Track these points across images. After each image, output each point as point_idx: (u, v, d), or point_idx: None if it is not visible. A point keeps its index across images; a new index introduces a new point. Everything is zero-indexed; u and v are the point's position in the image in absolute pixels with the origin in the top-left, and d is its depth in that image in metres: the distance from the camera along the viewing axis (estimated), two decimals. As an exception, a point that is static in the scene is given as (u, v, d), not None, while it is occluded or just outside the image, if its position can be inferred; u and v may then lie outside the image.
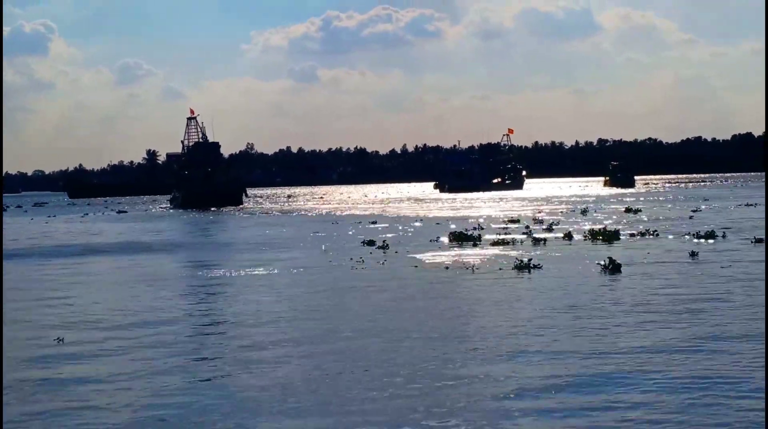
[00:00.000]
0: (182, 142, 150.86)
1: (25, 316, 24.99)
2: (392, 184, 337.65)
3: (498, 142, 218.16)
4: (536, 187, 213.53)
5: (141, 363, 17.96)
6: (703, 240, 44.30)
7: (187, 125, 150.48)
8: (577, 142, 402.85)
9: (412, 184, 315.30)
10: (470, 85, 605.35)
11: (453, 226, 60.95)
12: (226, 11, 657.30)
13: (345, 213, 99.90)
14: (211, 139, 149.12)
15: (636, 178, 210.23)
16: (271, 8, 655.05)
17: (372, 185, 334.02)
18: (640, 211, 78.31)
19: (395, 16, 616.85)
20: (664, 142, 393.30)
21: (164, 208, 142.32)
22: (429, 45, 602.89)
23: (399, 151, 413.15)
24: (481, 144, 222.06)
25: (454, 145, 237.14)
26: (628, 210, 79.85)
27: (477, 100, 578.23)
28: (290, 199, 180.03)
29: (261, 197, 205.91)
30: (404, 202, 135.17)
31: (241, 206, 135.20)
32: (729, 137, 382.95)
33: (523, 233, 52.29)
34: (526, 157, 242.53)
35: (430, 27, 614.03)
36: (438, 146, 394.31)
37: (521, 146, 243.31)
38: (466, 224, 64.10)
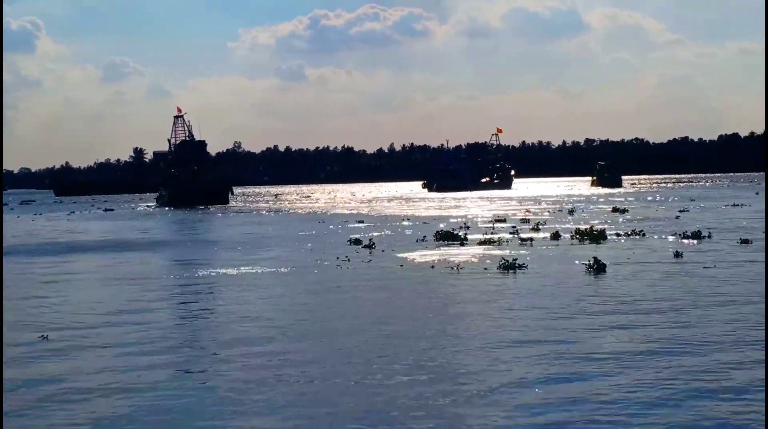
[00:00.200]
0: (169, 140, 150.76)
1: (9, 314, 24.82)
2: (380, 184, 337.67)
3: (485, 142, 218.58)
4: (524, 186, 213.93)
5: (124, 359, 17.93)
6: (688, 240, 44.39)
7: (174, 123, 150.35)
8: (564, 142, 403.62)
9: (400, 184, 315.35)
10: (458, 85, 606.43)
11: (440, 226, 60.95)
12: (213, 9, 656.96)
13: (332, 212, 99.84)
14: (197, 138, 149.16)
15: (623, 178, 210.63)
16: (258, 6, 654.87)
17: (359, 184, 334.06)
18: (627, 211, 78.48)
19: (383, 15, 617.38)
20: (650, 142, 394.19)
21: (151, 206, 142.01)
22: (417, 44, 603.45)
23: (386, 151, 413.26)
24: (468, 143, 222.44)
25: (442, 145, 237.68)
26: (615, 210, 80.00)
27: (464, 100, 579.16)
28: (277, 198, 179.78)
29: (248, 196, 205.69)
30: (392, 202, 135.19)
31: (227, 205, 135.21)
32: (715, 138, 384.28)
33: (510, 233, 52.31)
34: (514, 157, 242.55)
35: (418, 26, 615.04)
36: (425, 146, 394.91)
37: (508, 146, 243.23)
38: (454, 224, 64.14)
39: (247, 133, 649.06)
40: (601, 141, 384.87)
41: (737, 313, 21.75)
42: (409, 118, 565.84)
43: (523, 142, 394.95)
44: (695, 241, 43.73)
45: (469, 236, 49.59)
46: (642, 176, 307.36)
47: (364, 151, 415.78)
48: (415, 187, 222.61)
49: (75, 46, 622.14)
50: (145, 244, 54.25)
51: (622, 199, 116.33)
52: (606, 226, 54.52)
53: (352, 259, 38.24)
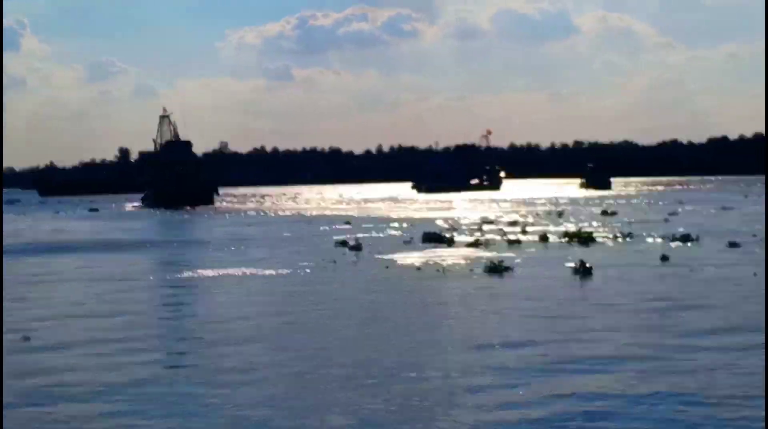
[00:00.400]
0: (154, 140, 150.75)
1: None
2: (368, 184, 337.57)
3: (474, 143, 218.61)
4: (513, 188, 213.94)
5: (107, 358, 17.80)
6: (677, 243, 44.22)
7: (160, 123, 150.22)
8: (553, 144, 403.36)
9: (389, 185, 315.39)
10: (446, 86, 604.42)
11: (429, 227, 60.67)
12: (200, 9, 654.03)
13: (319, 213, 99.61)
14: (183, 138, 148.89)
15: (612, 180, 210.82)
16: (245, 6, 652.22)
17: (347, 185, 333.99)
18: (616, 213, 78.36)
19: (371, 15, 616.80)
20: (639, 144, 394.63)
21: (136, 206, 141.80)
22: (405, 45, 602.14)
23: (374, 151, 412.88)
24: (457, 145, 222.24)
25: (430, 146, 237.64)
26: (604, 212, 79.87)
27: (453, 101, 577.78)
28: (264, 199, 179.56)
29: (234, 196, 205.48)
30: (380, 203, 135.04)
31: (212, 206, 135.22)
32: (705, 141, 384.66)
33: (498, 235, 52.08)
34: (503, 158, 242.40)
35: (407, 27, 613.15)
36: (414, 147, 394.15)
37: (497, 148, 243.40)
38: (442, 225, 63.89)
39: (233, 133, 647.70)
40: (590, 143, 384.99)
41: (718, 319, 21.52)
42: (397, 119, 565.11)
43: (512, 143, 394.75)
44: (684, 244, 43.58)
45: (456, 238, 49.45)
46: (631, 178, 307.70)
47: (352, 152, 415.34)
48: (404, 189, 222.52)
49: (61, 45, 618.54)
50: (130, 245, 54.01)
51: (612, 201, 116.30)
52: (594, 229, 54.37)
53: (338, 261, 37.98)
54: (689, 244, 43.90)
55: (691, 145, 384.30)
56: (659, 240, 46.22)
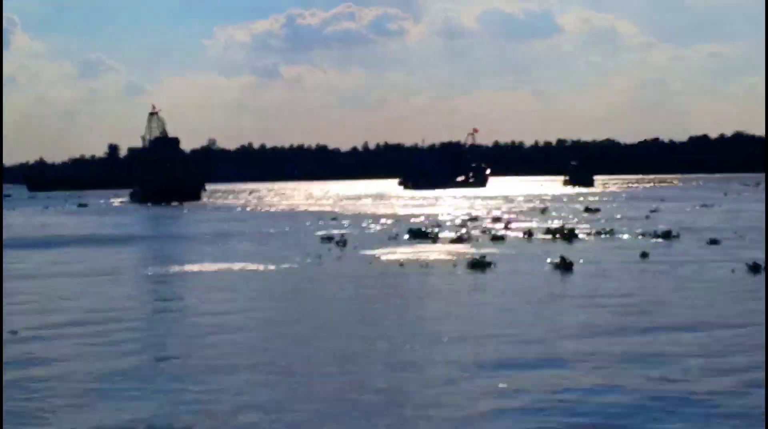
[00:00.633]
0: (143, 137, 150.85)
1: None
2: (355, 181, 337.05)
3: (459, 141, 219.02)
4: (498, 185, 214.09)
5: (94, 348, 18.12)
6: (657, 239, 44.79)
7: (149, 120, 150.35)
8: (536, 142, 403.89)
9: (376, 181, 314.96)
10: (432, 84, 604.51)
11: (414, 223, 61.14)
12: (188, 6, 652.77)
13: (305, 209, 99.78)
14: (171, 135, 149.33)
15: (595, 178, 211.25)
16: (234, 4, 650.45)
17: (334, 182, 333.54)
18: (599, 210, 78.88)
19: (358, 14, 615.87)
20: (621, 143, 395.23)
21: (124, 202, 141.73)
22: (392, 44, 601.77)
23: (360, 149, 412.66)
24: (442, 142, 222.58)
25: (416, 144, 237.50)
26: (587, 209, 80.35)
27: (438, 99, 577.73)
28: (251, 195, 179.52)
29: (222, 193, 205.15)
30: (366, 199, 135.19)
31: (199, 201, 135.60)
32: (686, 139, 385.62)
33: (482, 231, 52.60)
34: (487, 156, 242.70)
35: (393, 26, 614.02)
36: (399, 144, 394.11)
37: (482, 145, 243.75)
38: (427, 221, 64.35)
39: (221, 130, 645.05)
40: (573, 141, 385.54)
41: (693, 315, 21.88)
42: (383, 116, 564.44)
43: (497, 141, 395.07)
44: (664, 241, 44.14)
45: (441, 234, 49.87)
46: (613, 176, 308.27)
47: (339, 149, 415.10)
48: (391, 185, 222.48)
49: (50, 43, 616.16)
50: (118, 239, 54.31)
51: (594, 198, 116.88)
52: (577, 225, 54.91)
53: (322, 257, 38.40)
54: (670, 240, 44.50)
55: (672, 144, 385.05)
56: (640, 237, 46.78)
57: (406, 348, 18.32)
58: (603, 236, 47.91)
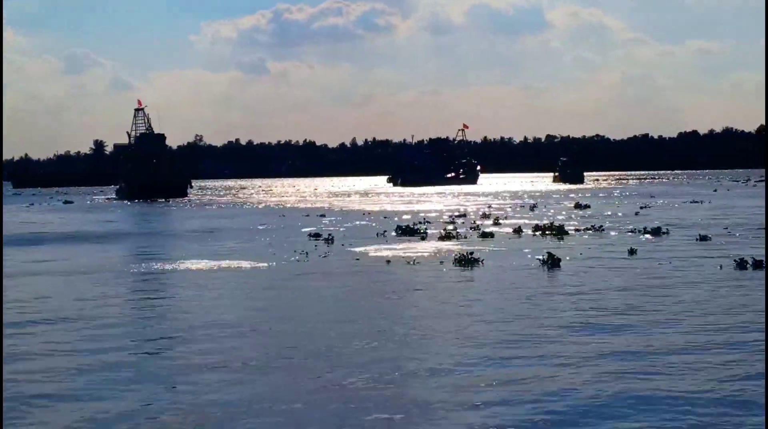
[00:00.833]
0: (128, 133, 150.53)
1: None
2: (343, 178, 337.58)
3: (448, 137, 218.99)
4: (488, 182, 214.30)
5: (75, 344, 17.85)
6: (647, 236, 44.56)
7: (135, 116, 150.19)
8: (525, 138, 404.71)
9: (365, 178, 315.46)
10: (420, 80, 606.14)
11: (402, 220, 60.86)
12: (175, 2, 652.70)
13: (293, 206, 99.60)
14: (157, 131, 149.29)
15: (585, 174, 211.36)
16: (220, 0, 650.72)
17: (322, 178, 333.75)
18: (589, 207, 78.67)
19: (346, 9, 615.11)
20: (611, 139, 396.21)
21: (110, 199, 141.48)
22: (379, 39, 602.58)
23: (348, 145, 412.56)
24: (430, 138, 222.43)
25: (404, 140, 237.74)
26: (577, 206, 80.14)
27: (427, 95, 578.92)
28: (238, 192, 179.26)
29: (208, 189, 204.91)
30: (355, 196, 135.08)
31: (185, 198, 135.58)
32: (675, 135, 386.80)
33: (471, 228, 52.29)
34: (476, 152, 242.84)
35: (381, 21, 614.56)
36: (387, 140, 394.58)
37: (471, 141, 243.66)
38: (416, 218, 64.06)
39: (208, 126, 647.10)
40: (563, 137, 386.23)
41: (676, 312, 21.58)
42: (371, 113, 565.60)
43: (485, 137, 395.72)
44: (653, 238, 43.92)
45: (429, 231, 49.66)
46: (603, 173, 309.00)
47: (326, 145, 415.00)
48: (380, 182, 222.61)
49: (36, 38, 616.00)
50: (104, 236, 53.97)
51: (585, 194, 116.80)
52: (566, 222, 54.71)
53: (309, 254, 38.09)
54: (659, 237, 44.25)
55: (661, 140, 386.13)
56: (630, 233, 46.55)
57: (375, 345, 18.09)
58: (593, 233, 47.63)
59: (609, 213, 68.49)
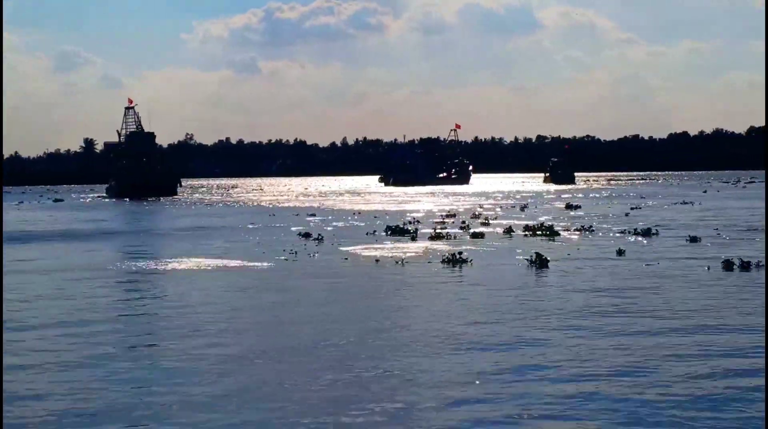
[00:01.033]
0: (118, 131, 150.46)
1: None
2: (334, 177, 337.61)
3: (439, 137, 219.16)
4: (480, 182, 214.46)
5: (64, 340, 17.85)
6: (637, 237, 44.56)
7: (125, 115, 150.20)
8: (516, 138, 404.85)
9: (356, 178, 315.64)
10: (411, 80, 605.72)
11: (393, 220, 60.84)
12: (167, 0, 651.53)
13: (284, 205, 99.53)
14: (147, 130, 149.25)
15: (576, 174, 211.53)
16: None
17: (314, 178, 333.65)
18: (580, 207, 78.75)
19: (337, 8, 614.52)
20: (602, 139, 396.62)
21: (100, 197, 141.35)
22: (371, 38, 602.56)
23: (339, 144, 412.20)
24: (421, 138, 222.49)
25: (396, 139, 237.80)
26: (568, 206, 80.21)
27: (418, 95, 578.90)
28: (228, 191, 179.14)
29: (198, 188, 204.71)
30: (346, 195, 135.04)
31: (175, 197, 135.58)
32: (665, 136, 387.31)
33: (461, 228, 52.27)
34: (466, 152, 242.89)
35: (372, 20, 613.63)
36: (378, 140, 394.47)
37: (462, 141, 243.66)
38: (407, 218, 64.04)
39: (199, 125, 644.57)
40: (553, 138, 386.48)
41: (659, 313, 21.55)
42: (362, 112, 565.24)
43: (476, 137, 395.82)
44: (643, 238, 43.92)
45: (420, 231, 49.62)
46: (593, 173, 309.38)
47: (317, 144, 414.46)
48: (371, 182, 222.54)
49: (26, 35, 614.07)
50: (93, 235, 53.84)
51: (576, 195, 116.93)
52: (556, 223, 54.73)
53: (298, 253, 38.03)
54: (649, 238, 44.26)
55: (652, 141, 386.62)
56: (619, 234, 46.56)
57: (356, 342, 18.10)
58: (583, 233, 47.63)
59: (600, 214, 68.53)
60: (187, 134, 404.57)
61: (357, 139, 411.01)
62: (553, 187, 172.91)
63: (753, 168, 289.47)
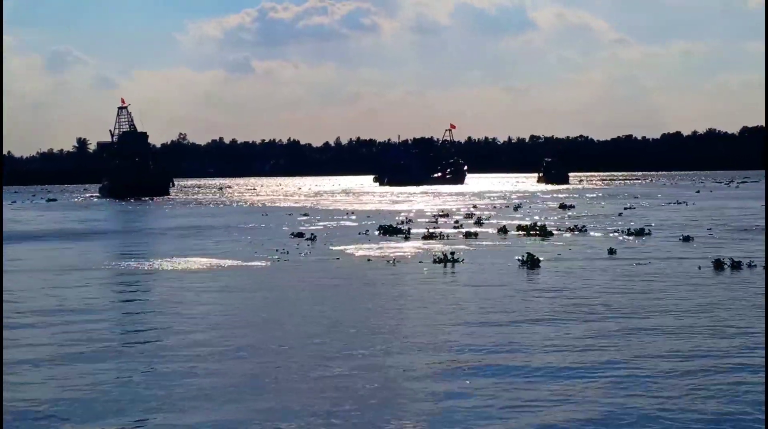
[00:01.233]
0: (111, 131, 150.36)
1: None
2: (328, 177, 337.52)
3: (433, 137, 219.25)
4: (474, 182, 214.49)
5: (56, 337, 17.81)
6: (630, 237, 44.57)
7: (118, 114, 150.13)
8: (509, 138, 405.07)
9: (350, 178, 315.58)
10: (405, 80, 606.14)
11: (387, 220, 60.82)
12: (160, 0, 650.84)
13: (277, 205, 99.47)
14: (140, 129, 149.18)
15: (569, 174, 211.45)
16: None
17: (307, 178, 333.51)
18: (573, 207, 78.79)
19: (331, 9, 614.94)
20: (595, 139, 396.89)
21: (93, 196, 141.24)
22: (364, 39, 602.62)
23: (332, 144, 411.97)
24: (416, 138, 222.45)
25: (389, 139, 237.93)
26: (561, 206, 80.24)
27: (411, 95, 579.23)
28: (221, 190, 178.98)
29: (191, 188, 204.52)
30: (340, 195, 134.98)
31: (168, 196, 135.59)
32: (659, 136, 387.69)
33: (455, 228, 52.28)
34: (460, 152, 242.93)
35: (366, 21, 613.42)
36: (372, 140, 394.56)
37: (455, 141, 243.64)
38: (400, 218, 64.04)
39: (192, 125, 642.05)
40: (546, 138, 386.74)
41: (646, 313, 21.60)
42: (355, 112, 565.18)
43: (470, 137, 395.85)
44: (636, 238, 43.93)
45: (413, 231, 49.59)
46: (586, 173, 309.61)
47: (310, 144, 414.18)
48: (365, 182, 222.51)
49: (19, 35, 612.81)
50: (86, 235, 53.80)
51: (569, 195, 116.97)
52: (550, 222, 54.75)
53: (290, 253, 38.02)
54: (642, 238, 44.27)
55: (645, 141, 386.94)
56: (613, 234, 46.56)
57: (344, 340, 18.07)
58: (576, 233, 47.64)
59: (593, 214, 68.60)
60: (180, 134, 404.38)
61: (351, 139, 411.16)
62: (547, 187, 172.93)
63: (746, 168, 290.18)
